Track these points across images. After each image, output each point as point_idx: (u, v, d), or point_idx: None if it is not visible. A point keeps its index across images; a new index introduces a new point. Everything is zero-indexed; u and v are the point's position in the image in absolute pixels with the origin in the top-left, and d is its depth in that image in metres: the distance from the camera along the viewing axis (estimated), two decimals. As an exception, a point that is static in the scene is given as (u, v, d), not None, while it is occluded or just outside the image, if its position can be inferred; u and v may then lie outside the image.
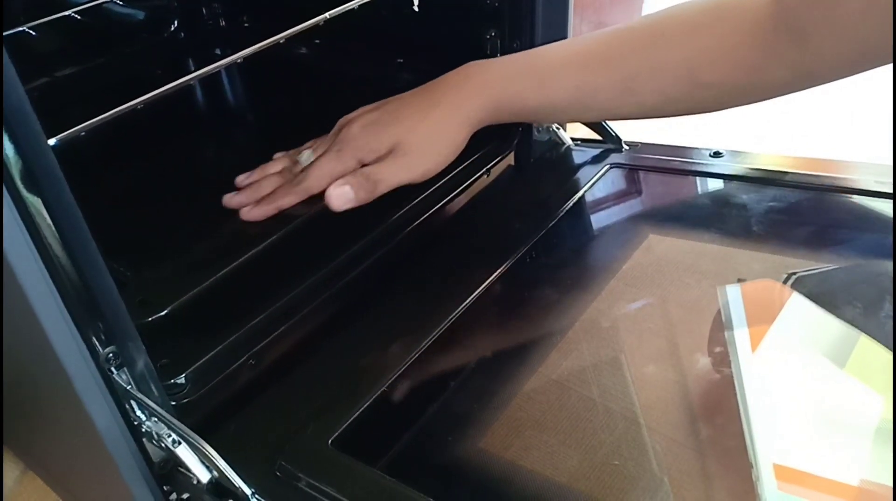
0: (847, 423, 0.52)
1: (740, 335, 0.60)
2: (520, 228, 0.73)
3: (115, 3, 0.70)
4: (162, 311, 0.55)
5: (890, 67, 0.56)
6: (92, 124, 0.49)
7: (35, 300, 0.42)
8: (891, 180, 0.69)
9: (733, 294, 0.64)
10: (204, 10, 0.89)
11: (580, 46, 0.69)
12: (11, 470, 0.76)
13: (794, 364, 0.57)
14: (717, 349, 0.59)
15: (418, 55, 0.83)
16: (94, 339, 0.46)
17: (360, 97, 0.73)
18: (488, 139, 0.86)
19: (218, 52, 0.87)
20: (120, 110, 0.51)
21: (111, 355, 0.48)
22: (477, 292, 0.65)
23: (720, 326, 0.61)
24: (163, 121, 0.69)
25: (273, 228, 0.64)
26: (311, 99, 0.84)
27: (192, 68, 0.79)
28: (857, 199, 0.69)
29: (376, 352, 0.60)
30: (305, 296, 0.65)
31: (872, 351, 0.57)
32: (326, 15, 0.63)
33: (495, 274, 0.67)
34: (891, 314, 0.57)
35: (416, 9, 0.69)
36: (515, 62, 0.71)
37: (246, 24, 0.87)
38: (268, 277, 0.64)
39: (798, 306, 0.61)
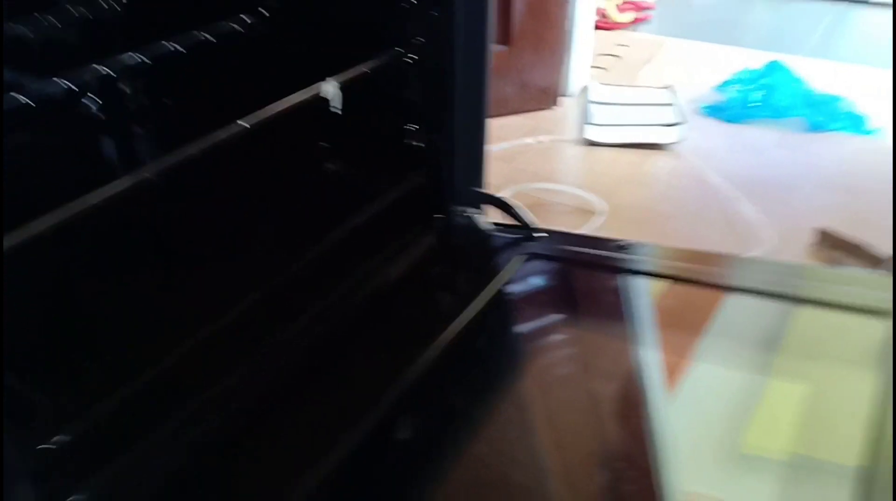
0: (759, 459, 0.55)
1: (655, 376, 0.63)
2: (438, 321, 0.75)
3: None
4: (56, 436, 0.54)
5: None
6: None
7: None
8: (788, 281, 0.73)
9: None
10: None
11: None
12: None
13: (707, 403, 0.61)
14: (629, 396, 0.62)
15: (342, 149, 0.85)
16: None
17: (282, 197, 0.74)
18: (409, 224, 0.88)
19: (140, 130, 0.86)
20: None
21: None
22: (399, 384, 0.66)
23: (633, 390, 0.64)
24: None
25: (192, 329, 0.64)
26: (245, 196, 0.83)
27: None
28: (751, 299, 0.73)
29: (302, 447, 0.60)
30: (221, 397, 0.65)
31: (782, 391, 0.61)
32: (246, 125, 0.64)
33: (417, 365, 0.69)
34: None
35: (339, 112, 0.71)
36: None
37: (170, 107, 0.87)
38: (182, 379, 0.64)
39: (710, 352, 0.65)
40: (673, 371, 0.67)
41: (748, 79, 1.95)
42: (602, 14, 2.68)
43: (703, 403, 0.65)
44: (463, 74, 0.79)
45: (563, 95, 2.07)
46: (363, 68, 0.74)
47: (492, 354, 0.76)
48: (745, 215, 1.50)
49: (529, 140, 1.86)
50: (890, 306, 0.62)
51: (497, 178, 1.74)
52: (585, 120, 1.90)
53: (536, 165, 1.78)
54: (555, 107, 2.03)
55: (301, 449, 0.61)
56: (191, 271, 0.74)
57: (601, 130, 1.84)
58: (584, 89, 2.10)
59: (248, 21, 0.74)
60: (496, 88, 2.01)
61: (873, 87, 2.09)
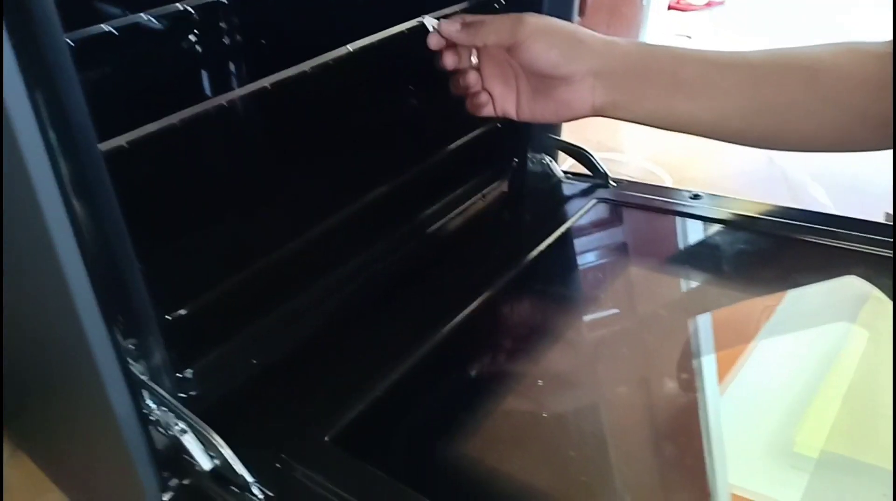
0: (799, 454, 0.57)
1: (708, 364, 0.65)
2: (509, 254, 0.78)
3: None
4: (179, 310, 0.59)
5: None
6: (133, 137, 0.53)
7: (75, 292, 0.46)
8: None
9: (704, 325, 0.69)
10: (223, 24, 0.92)
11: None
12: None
13: (759, 395, 0.62)
14: (684, 376, 0.64)
15: (424, 88, 0.88)
16: (115, 330, 0.50)
17: (371, 126, 0.78)
18: (485, 166, 0.91)
19: (232, 67, 0.90)
20: (156, 126, 0.55)
21: (132, 346, 0.52)
22: (466, 310, 0.70)
23: (689, 354, 0.66)
24: (193, 139, 0.73)
25: (282, 240, 0.69)
26: (335, 125, 0.87)
27: (208, 82, 0.83)
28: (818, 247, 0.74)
29: (373, 359, 0.64)
30: (307, 304, 0.70)
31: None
32: (349, 48, 0.67)
33: (483, 296, 0.72)
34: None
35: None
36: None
37: (263, 42, 0.91)
38: (276, 283, 0.68)
39: (771, 336, 0.66)
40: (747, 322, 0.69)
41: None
42: (677, -5, 2.65)
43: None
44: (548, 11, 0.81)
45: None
46: (456, 7, 0.77)
47: (552, 292, 0.78)
48: (817, 200, 1.49)
49: (597, 112, 1.86)
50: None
51: (562, 147, 1.76)
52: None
53: (604, 135, 1.78)
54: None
55: (375, 361, 0.65)
56: (290, 181, 0.79)
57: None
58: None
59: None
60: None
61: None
